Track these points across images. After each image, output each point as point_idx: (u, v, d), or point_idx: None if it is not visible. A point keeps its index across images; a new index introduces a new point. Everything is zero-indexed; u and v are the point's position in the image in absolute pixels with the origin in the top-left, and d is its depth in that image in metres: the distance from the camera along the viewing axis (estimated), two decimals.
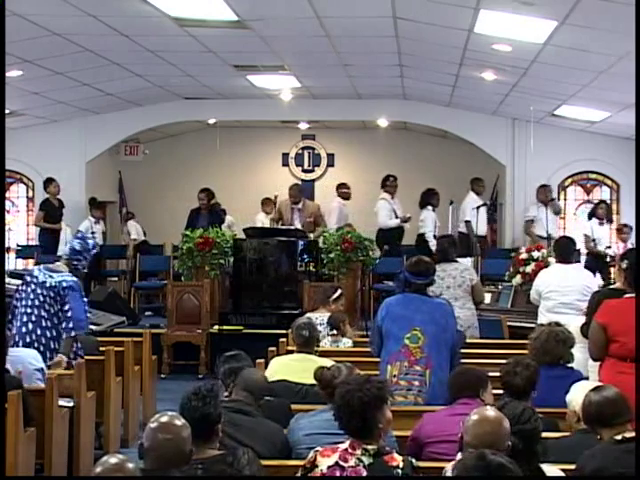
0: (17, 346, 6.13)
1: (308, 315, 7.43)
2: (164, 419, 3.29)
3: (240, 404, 4.24)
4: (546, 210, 12.10)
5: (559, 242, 8.16)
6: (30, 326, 6.28)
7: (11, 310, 6.36)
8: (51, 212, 12.67)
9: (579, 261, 9.01)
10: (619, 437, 3.74)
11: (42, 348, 6.25)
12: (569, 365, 5.32)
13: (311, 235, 10.99)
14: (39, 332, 6.29)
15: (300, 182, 15.54)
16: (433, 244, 11.28)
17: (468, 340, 7.20)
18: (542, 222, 12.02)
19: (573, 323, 6.23)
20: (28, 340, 6.23)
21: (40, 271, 6.44)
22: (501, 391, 4.75)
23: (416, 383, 5.27)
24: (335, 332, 7.13)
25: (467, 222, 12.10)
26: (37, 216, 12.82)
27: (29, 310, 6.32)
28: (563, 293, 7.38)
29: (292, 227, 11.00)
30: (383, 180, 12.39)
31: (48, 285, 6.35)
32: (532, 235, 12.36)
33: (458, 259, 7.97)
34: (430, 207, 11.97)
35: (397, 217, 12.07)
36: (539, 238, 11.83)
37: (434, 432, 4.16)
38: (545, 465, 3.59)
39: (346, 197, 12.87)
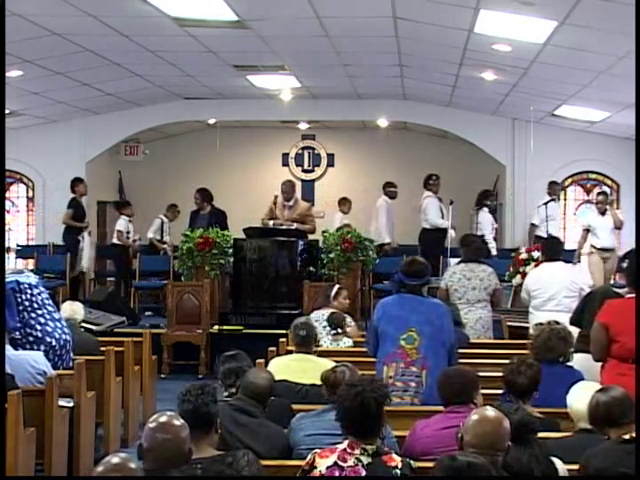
0: (56, 347, 6.14)
1: (313, 314, 7.43)
2: (163, 419, 3.28)
3: (244, 403, 4.24)
4: (605, 219, 11.45)
5: (548, 241, 8.26)
6: (51, 324, 6.27)
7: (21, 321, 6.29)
8: (79, 212, 12.67)
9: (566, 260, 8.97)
10: (627, 437, 3.74)
11: (69, 337, 6.31)
12: (569, 364, 5.33)
13: (294, 225, 10.80)
14: (60, 325, 6.32)
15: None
16: (493, 246, 11.22)
17: (484, 341, 7.28)
18: (600, 232, 11.38)
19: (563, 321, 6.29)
20: (57, 336, 6.22)
21: (20, 276, 6.34)
22: (501, 391, 4.75)
23: (412, 384, 5.26)
24: (339, 331, 7.12)
25: (532, 225, 11.98)
26: (66, 214, 12.57)
27: (39, 312, 6.27)
28: (550, 291, 7.44)
29: (284, 226, 10.84)
30: (425, 179, 12.24)
31: (34, 283, 6.35)
32: (582, 245, 11.65)
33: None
34: (486, 208, 11.75)
35: (443, 216, 11.83)
36: (598, 250, 11.29)
37: (428, 449, 4.09)
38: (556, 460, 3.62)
39: (392, 196, 12.77)
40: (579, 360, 5.45)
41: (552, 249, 7.85)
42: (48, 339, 6.18)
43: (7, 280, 6.23)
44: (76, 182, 12.76)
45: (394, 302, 5.52)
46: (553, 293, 7.42)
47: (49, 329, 6.22)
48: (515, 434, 3.47)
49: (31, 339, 6.13)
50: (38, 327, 6.21)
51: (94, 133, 13.58)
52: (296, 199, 11.12)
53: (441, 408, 4.40)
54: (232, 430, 4.02)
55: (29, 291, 6.29)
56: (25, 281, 6.29)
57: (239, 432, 4.08)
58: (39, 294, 6.30)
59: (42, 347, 6.09)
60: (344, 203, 13.60)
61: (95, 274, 13.25)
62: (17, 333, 6.15)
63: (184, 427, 3.29)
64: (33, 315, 6.25)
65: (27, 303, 6.26)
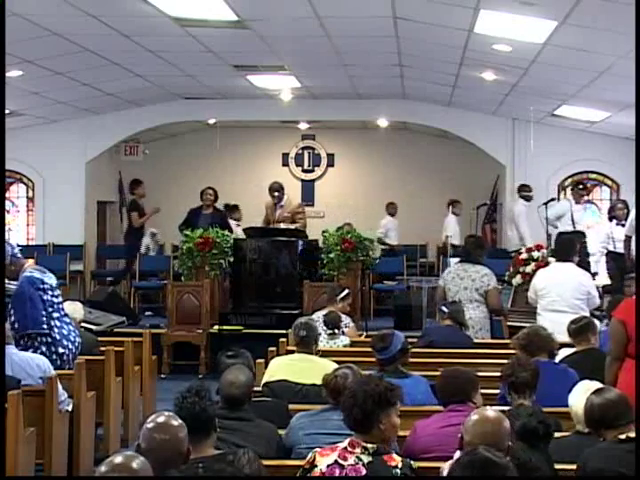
0: (73, 349, 6.11)
1: (314, 315, 7.40)
2: (161, 419, 3.26)
3: (226, 412, 4.19)
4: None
5: (560, 239, 8.15)
6: (66, 327, 6.18)
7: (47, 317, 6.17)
8: (142, 213, 12.68)
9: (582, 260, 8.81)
10: (623, 436, 3.72)
11: (80, 340, 6.29)
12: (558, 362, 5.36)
13: (291, 225, 10.78)
14: (72, 328, 6.29)
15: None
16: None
17: (484, 341, 7.27)
18: None
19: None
20: (72, 339, 6.18)
21: (44, 275, 6.21)
22: (499, 391, 4.74)
23: None
24: (335, 331, 7.11)
25: (627, 238, 10.20)
26: (134, 218, 12.68)
27: (56, 315, 6.11)
28: (558, 290, 7.39)
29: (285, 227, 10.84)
30: (574, 185, 12.13)
31: (55, 285, 6.28)
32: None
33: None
34: (615, 220, 10.86)
35: (574, 222, 11.50)
36: None
37: (428, 447, 4.10)
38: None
39: (529, 199, 12.55)
40: None
41: (565, 248, 7.78)
42: (65, 342, 6.13)
43: (32, 276, 6.13)
44: (135, 184, 12.83)
45: None
46: (561, 292, 7.35)
47: (65, 332, 6.18)
48: (521, 438, 3.46)
49: (49, 340, 6.06)
50: (56, 330, 6.12)
51: (94, 133, 13.57)
52: (287, 198, 11.09)
53: (440, 408, 4.41)
54: (224, 437, 3.98)
55: (50, 292, 6.18)
56: (48, 282, 6.21)
57: (231, 437, 4.05)
58: (57, 296, 6.24)
59: (60, 349, 6.06)
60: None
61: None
62: (45, 327, 6.05)
63: (182, 427, 3.26)
64: (51, 317, 6.18)
65: (48, 304, 6.18)
